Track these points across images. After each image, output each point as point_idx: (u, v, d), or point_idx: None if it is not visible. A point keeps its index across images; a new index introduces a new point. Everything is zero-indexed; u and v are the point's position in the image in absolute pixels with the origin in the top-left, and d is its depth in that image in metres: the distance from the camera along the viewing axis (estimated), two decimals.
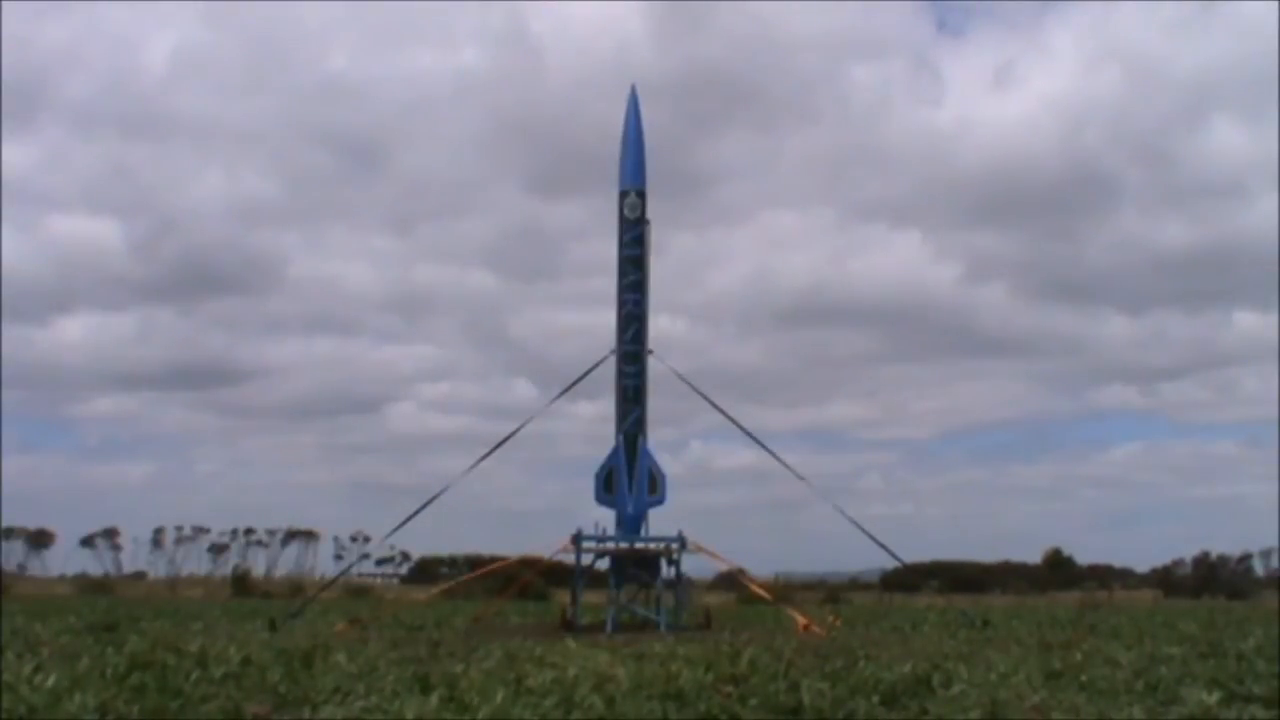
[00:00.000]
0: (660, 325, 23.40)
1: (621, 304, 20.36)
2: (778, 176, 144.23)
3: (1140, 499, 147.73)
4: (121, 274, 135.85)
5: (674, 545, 19.55)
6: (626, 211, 20.49)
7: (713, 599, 38.61)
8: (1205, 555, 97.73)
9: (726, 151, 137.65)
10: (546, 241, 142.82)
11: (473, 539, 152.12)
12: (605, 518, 20.00)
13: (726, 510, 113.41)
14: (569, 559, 19.98)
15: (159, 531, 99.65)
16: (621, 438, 19.96)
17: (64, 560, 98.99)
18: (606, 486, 20.00)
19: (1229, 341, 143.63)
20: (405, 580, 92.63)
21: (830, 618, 22.33)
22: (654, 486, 19.96)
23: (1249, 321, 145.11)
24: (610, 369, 20.37)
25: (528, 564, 26.02)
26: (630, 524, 19.81)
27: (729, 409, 21.85)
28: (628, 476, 19.79)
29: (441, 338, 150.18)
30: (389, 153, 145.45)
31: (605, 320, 21.07)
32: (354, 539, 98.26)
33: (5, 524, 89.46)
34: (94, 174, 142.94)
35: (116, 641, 11.54)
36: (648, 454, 20.03)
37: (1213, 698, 7.19)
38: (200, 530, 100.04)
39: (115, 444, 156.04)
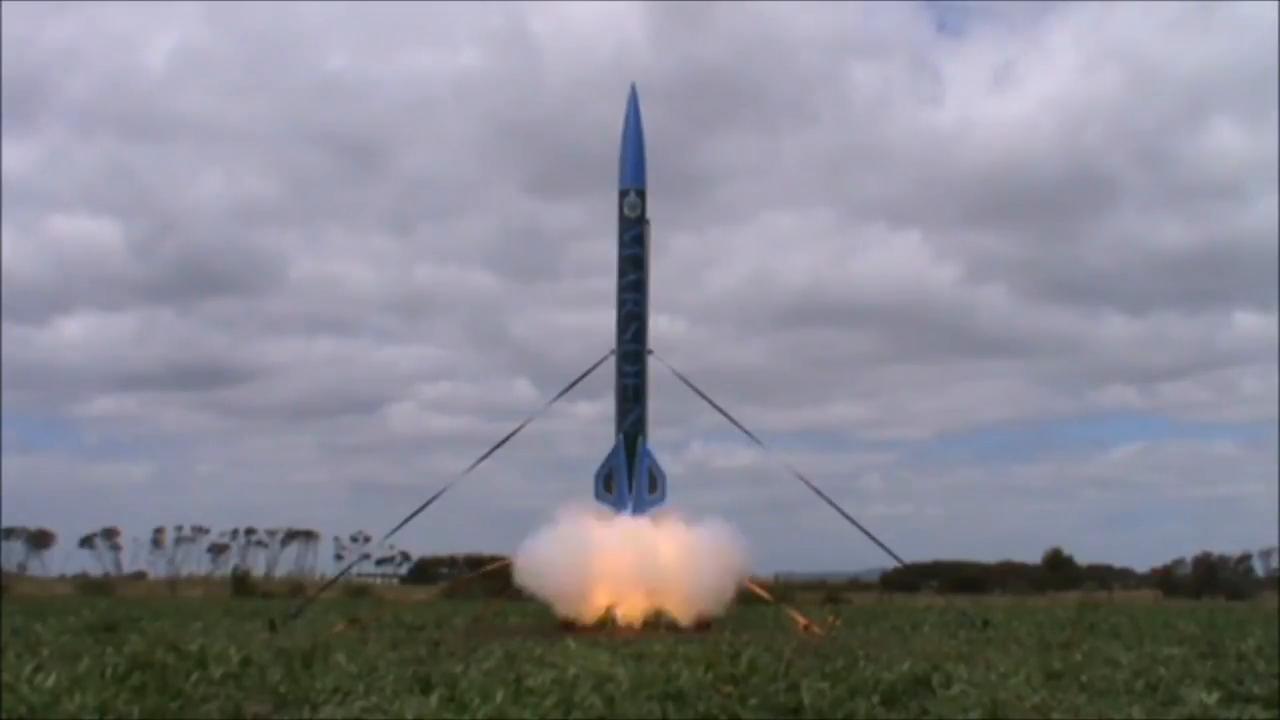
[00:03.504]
0: (660, 325, 23.27)
1: (621, 304, 20.34)
2: (778, 176, 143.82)
3: (1140, 499, 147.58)
4: (121, 274, 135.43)
5: None
6: (626, 211, 20.48)
7: None
8: (1205, 555, 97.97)
9: (726, 151, 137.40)
10: (546, 241, 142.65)
11: (473, 539, 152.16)
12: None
13: (726, 510, 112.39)
14: None
15: (159, 531, 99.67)
16: (621, 438, 19.95)
17: (64, 560, 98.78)
18: (606, 486, 19.97)
19: (1229, 341, 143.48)
20: (405, 580, 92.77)
21: (830, 618, 22.29)
22: (654, 486, 19.92)
23: (1249, 321, 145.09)
24: (610, 369, 20.35)
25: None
26: None
27: (729, 409, 21.80)
28: (628, 476, 19.77)
29: (441, 338, 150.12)
30: (389, 153, 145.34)
31: (605, 320, 21.05)
32: (354, 539, 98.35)
33: (5, 524, 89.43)
34: (94, 174, 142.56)
35: (116, 641, 11.55)
36: (648, 454, 20.00)
37: (1213, 698, 7.20)
38: (200, 530, 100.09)
39: (115, 444, 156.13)
